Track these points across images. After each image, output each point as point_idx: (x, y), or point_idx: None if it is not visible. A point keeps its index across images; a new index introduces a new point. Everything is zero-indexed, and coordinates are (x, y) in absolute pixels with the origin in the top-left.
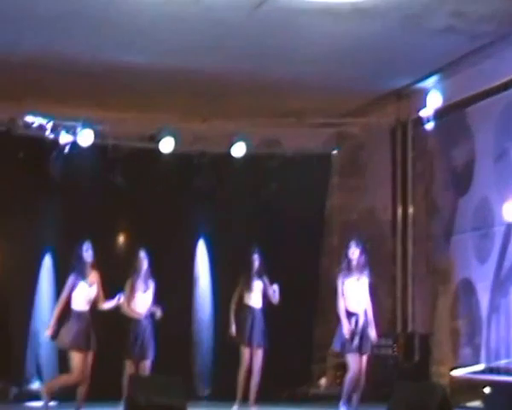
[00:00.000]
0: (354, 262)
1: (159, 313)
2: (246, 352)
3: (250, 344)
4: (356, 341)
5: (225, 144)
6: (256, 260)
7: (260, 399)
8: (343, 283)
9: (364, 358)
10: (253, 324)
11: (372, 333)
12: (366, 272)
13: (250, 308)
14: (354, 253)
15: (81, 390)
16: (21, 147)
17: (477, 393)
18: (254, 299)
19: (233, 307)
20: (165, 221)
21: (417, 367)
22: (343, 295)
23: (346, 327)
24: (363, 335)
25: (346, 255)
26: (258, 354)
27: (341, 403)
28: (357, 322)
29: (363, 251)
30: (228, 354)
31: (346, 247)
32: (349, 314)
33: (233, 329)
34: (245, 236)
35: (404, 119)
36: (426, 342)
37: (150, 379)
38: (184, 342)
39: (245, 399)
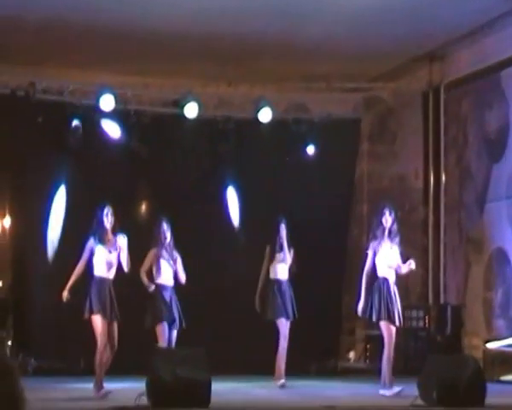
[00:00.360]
0: (387, 230)
1: (183, 279)
2: (282, 323)
3: (278, 317)
4: (386, 310)
5: (251, 109)
6: (283, 231)
7: (288, 373)
8: (374, 250)
9: (390, 329)
10: (281, 296)
11: (406, 266)
12: (398, 241)
13: (277, 281)
14: (387, 220)
15: (106, 360)
16: (40, 112)
17: (511, 366)
18: (281, 271)
19: (260, 283)
20: (188, 188)
21: (449, 340)
22: (374, 262)
23: (362, 296)
24: (394, 304)
25: (379, 222)
26: (285, 326)
27: (381, 386)
28: (389, 289)
29: (396, 219)
30: (255, 328)
31: (380, 213)
32: (380, 281)
33: (257, 304)
34: (271, 204)
35: (436, 83)
36: (458, 314)
37: (174, 352)
38: (211, 314)
39: (269, 373)
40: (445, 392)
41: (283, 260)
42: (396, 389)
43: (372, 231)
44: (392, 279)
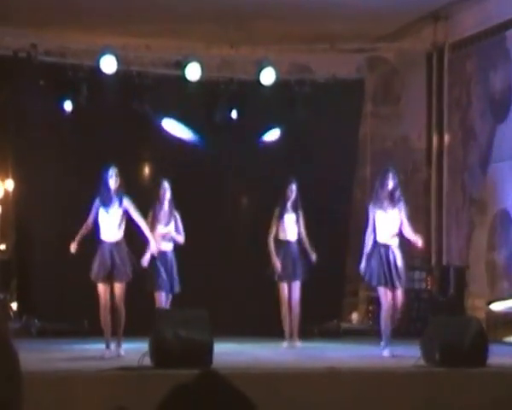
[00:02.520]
0: (389, 193)
1: (181, 239)
2: (284, 287)
3: (288, 279)
4: (387, 274)
5: (254, 71)
6: (292, 192)
7: (278, 332)
8: (375, 213)
9: (399, 292)
10: (290, 257)
11: (416, 238)
12: (401, 205)
13: (286, 242)
14: (390, 183)
15: (118, 323)
16: (42, 73)
17: None
18: (290, 232)
19: (271, 243)
20: (190, 150)
21: (452, 301)
22: (375, 225)
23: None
24: (396, 268)
25: (382, 185)
26: (297, 288)
27: (382, 345)
28: (388, 254)
29: (399, 183)
30: (259, 289)
31: (383, 176)
32: (380, 246)
33: (277, 265)
34: (274, 165)
35: (440, 43)
36: (461, 276)
37: (177, 313)
38: (215, 275)
39: (272, 334)
40: (447, 353)
41: (293, 221)
42: (391, 352)
43: (375, 193)
44: (394, 244)
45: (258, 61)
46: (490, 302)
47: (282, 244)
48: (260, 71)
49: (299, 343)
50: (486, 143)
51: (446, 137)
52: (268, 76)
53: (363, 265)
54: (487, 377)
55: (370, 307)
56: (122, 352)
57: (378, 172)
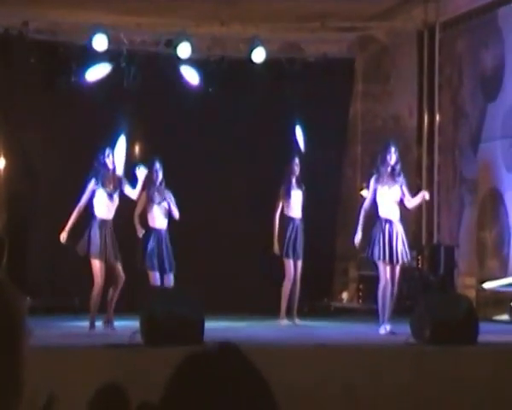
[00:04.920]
0: (391, 167)
1: (177, 215)
2: (290, 264)
3: (293, 256)
4: (388, 249)
5: (244, 49)
6: (298, 166)
7: (277, 312)
8: (375, 187)
9: (397, 268)
10: (296, 235)
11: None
12: (401, 179)
13: (292, 219)
14: (392, 157)
15: (111, 301)
16: (33, 52)
17: (504, 306)
18: (296, 209)
19: (276, 221)
20: (181, 128)
21: (442, 280)
22: (375, 200)
23: (359, 230)
24: (397, 244)
25: (384, 159)
26: (299, 266)
27: (381, 322)
28: (390, 230)
29: (402, 160)
30: (254, 267)
31: (385, 150)
32: (382, 221)
33: (276, 247)
34: (263, 144)
35: (431, 22)
36: (452, 254)
37: (168, 291)
38: (207, 254)
39: (264, 312)
40: (437, 331)
41: (300, 198)
42: (385, 328)
43: (376, 167)
44: (395, 218)
45: (249, 40)
46: (480, 281)
47: (288, 221)
48: (251, 49)
49: (298, 321)
50: (477, 122)
51: (437, 116)
52: (259, 54)
53: (358, 237)
54: (477, 354)
55: (360, 286)
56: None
57: (368, 150)
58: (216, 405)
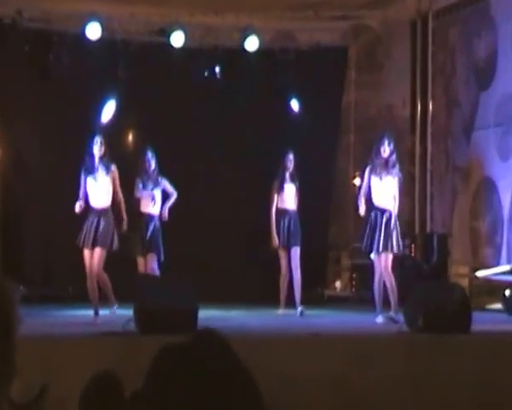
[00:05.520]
0: (384, 159)
1: (174, 195)
2: (283, 254)
3: (288, 247)
4: (381, 239)
5: (238, 39)
6: (291, 162)
7: (274, 302)
8: (371, 179)
9: (390, 257)
10: (290, 225)
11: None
12: (395, 172)
13: (285, 211)
14: (386, 150)
15: (105, 289)
16: (27, 40)
17: (498, 295)
18: (289, 201)
19: (272, 216)
20: (175, 118)
21: (436, 268)
22: (370, 191)
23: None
24: (392, 233)
25: (378, 151)
26: (297, 255)
27: (377, 311)
28: (382, 220)
29: (395, 149)
30: (247, 256)
31: (379, 142)
32: (375, 211)
33: (276, 240)
34: (257, 134)
35: (424, 10)
36: (445, 243)
37: (162, 279)
38: (202, 243)
39: (259, 302)
40: (430, 319)
41: (293, 192)
42: (381, 318)
43: (371, 159)
44: (389, 207)
45: (242, 29)
46: (474, 270)
47: (281, 213)
48: (244, 38)
49: (302, 310)
50: (470, 111)
51: (430, 105)
52: (252, 43)
53: (362, 209)
54: (470, 343)
55: (354, 275)
56: (115, 312)
57: (362, 139)
58: (194, 393)
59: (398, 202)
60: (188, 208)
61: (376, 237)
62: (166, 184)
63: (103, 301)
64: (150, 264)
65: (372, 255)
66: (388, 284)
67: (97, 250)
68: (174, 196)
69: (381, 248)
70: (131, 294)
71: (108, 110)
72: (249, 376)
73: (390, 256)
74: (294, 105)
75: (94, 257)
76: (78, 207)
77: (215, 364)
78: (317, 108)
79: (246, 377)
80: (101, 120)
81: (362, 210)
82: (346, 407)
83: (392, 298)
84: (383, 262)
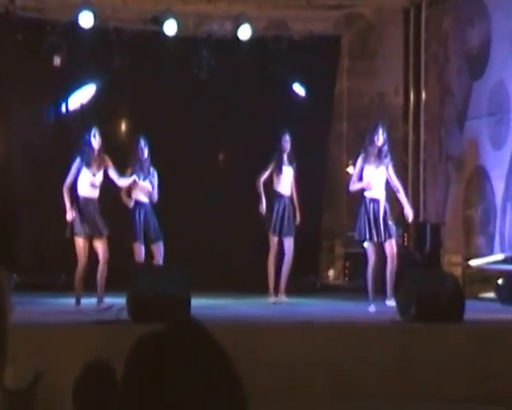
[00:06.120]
0: (378, 149)
1: (155, 198)
2: (275, 241)
3: (279, 233)
4: (376, 228)
5: (231, 27)
6: (287, 143)
7: (267, 290)
8: (363, 167)
9: (390, 243)
10: (285, 212)
11: (410, 213)
12: (388, 161)
13: (281, 196)
14: (380, 139)
15: (101, 278)
16: (20, 28)
17: (491, 284)
18: (285, 186)
19: (260, 185)
20: (168, 106)
21: (429, 257)
22: (362, 180)
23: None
24: (384, 222)
25: (372, 140)
26: (290, 244)
27: (370, 300)
28: (375, 209)
29: (388, 139)
30: (241, 244)
31: (373, 131)
32: (369, 201)
33: (263, 206)
34: (251, 121)
35: None
36: (437, 232)
37: (155, 268)
38: (196, 231)
39: (251, 290)
40: (423, 308)
41: (290, 175)
42: (374, 307)
43: (364, 148)
44: (381, 198)
45: (235, 17)
46: (467, 259)
47: (277, 197)
48: (237, 27)
49: (285, 299)
50: (463, 100)
51: (423, 94)
52: (245, 32)
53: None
54: (463, 332)
55: (347, 264)
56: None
57: (354, 127)
58: (170, 381)
59: (402, 189)
60: (180, 196)
61: (370, 227)
62: (154, 183)
63: (90, 290)
64: (158, 251)
65: (366, 244)
66: (392, 271)
67: (102, 240)
68: (154, 200)
69: (376, 238)
70: (125, 282)
71: (87, 94)
72: (228, 362)
73: (393, 242)
74: (298, 89)
75: (101, 247)
76: (69, 215)
77: (191, 350)
78: (310, 97)
79: (224, 364)
80: (72, 103)
81: (357, 186)
82: (337, 395)
83: (391, 285)
84: (390, 249)
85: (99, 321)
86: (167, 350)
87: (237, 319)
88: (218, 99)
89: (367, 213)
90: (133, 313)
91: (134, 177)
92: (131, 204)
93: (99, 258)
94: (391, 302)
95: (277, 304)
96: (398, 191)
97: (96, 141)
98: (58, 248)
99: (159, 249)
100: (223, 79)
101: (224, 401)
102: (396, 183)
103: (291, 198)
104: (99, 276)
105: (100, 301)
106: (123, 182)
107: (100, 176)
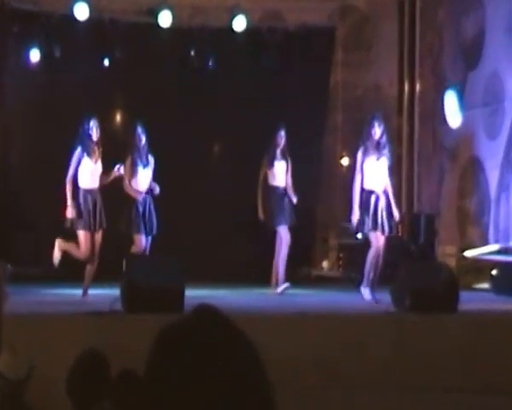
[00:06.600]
0: (375, 141)
1: (157, 189)
2: (280, 232)
3: (277, 225)
4: (378, 218)
5: (226, 18)
6: (282, 139)
7: (262, 281)
8: (363, 161)
9: (383, 238)
10: (281, 203)
11: (395, 213)
12: (386, 153)
13: (276, 188)
14: (376, 132)
15: (90, 270)
16: (15, 21)
17: (485, 274)
18: (279, 178)
19: (260, 190)
20: (163, 97)
21: (423, 248)
22: (362, 173)
23: (356, 208)
24: (384, 214)
25: (369, 134)
26: (286, 234)
27: (363, 286)
28: (376, 200)
29: (385, 130)
30: (238, 234)
31: (369, 124)
32: (369, 193)
33: (260, 213)
34: (245, 112)
35: None
36: (432, 223)
37: (149, 259)
38: (191, 222)
39: (246, 281)
40: (417, 299)
41: (283, 168)
42: (372, 296)
43: (362, 141)
44: (380, 190)
45: (230, 8)
46: (461, 250)
47: (272, 190)
48: (232, 18)
49: (279, 289)
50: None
51: (418, 85)
52: (240, 23)
53: (356, 216)
54: (458, 322)
55: (341, 255)
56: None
57: (349, 119)
58: (200, 373)
59: (391, 189)
60: (176, 186)
61: (373, 217)
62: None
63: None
64: (146, 244)
65: (370, 234)
66: (379, 262)
67: (100, 232)
68: (157, 190)
69: (380, 229)
70: (119, 273)
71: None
72: (255, 351)
73: (383, 238)
74: None
75: (97, 239)
76: (70, 212)
77: (221, 341)
78: (305, 88)
79: (253, 354)
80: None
81: (357, 210)
82: (331, 386)
83: (376, 276)
84: (381, 241)
85: (93, 312)
86: (193, 341)
87: (231, 309)
88: (213, 90)
89: (368, 204)
90: (127, 303)
91: (118, 167)
92: (141, 196)
93: (94, 250)
94: (366, 293)
95: (273, 295)
96: (387, 191)
97: (95, 133)
98: (54, 239)
99: (147, 243)
100: (218, 69)
101: (252, 389)
102: (387, 181)
103: (286, 189)
104: (89, 267)
105: (85, 292)
106: (105, 178)
107: (99, 166)
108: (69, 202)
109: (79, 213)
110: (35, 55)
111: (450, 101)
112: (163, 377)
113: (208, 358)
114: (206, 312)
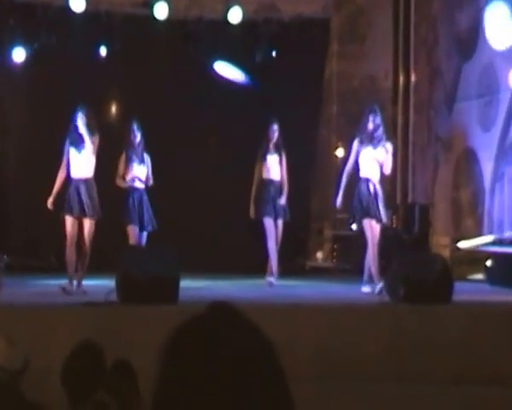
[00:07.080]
0: (370, 132)
1: (150, 181)
2: (271, 223)
3: (270, 214)
4: (372, 206)
5: (221, 10)
6: (274, 133)
7: (256, 272)
8: (358, 151)
9: (378, 227)
10: (274, 196)
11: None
12: (382, 144)
13: (270, 181)
14: (371, 123)
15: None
16: (12, 13)
17: (479, 265)
18: (273, 172)
19: (254, 185)
20: (159, 90)
21: (417, 239)
22: (357, 162)
23: (341, 193)
24: (379, 203)
25: (365, 125)
26: (280, 226)
27: (364, 281)
28: (370, 189)
29: (382, 121)
30: (232, 227)
31: (366, 116)
32: (365, 181)
33: (252, 211)
34: (242, 104)
35: None
36: (426, 213)
37: (144, 250)
38: (187, 214)
39: (240, 272)
40: (411, 289)
41: (276, 162)
42: (378, 286)
43: (359, 131)
44: (375, 179)
45: (225, 0)
46: (455, 241)
47: (265, 183)
48: (228, 10)
49: (272, 280)
50: (452, 82)
51: (413, 76)
52: (235, 15)
53: (339, 199)
54: (452, 313)
55: (335, 246)
56: (84, 289)
57: (344, 111)
58: (217, 371)
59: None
60: (172, 179)
61: (366, 205)
62: (149, 168)
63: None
64: (142, 239)
65: (364, 223)
66: (375, 253)
67: (89, 222)
68: (150, 182)
69: (374, 217)
70: (114, 264)
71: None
72: (274, 351)
73: (378, 227)
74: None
75: (86, 228)
76: (49, 203)
77: (239, 341)
78: (300, 79)
79: (272, 353)
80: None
81: (341, 194)
82: (326, 377)
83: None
84: (370, 230)
85: (88, 303)
86: (210, 344)
87: (227, 300)
88: (209, 82)
89: (362, 193)
90: (122, 294)
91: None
92: (127, 185)
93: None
94: (367, 288)
95: (268, 286)
96: (386, 169)
97: (80, 120)
98: (48, 229)
99: (142, 238)
100: (213, 60)
101: (268, 386)
102: (387, 165)
103: (280, 182)
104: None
105: (79, 284)
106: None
107: (86, 156)
108: (53, 192)
109: (63, 201)
110: (30, 48)
111: (498, 13)
112: (178, 385)
113: (226, 360)
114: (221, 310)
